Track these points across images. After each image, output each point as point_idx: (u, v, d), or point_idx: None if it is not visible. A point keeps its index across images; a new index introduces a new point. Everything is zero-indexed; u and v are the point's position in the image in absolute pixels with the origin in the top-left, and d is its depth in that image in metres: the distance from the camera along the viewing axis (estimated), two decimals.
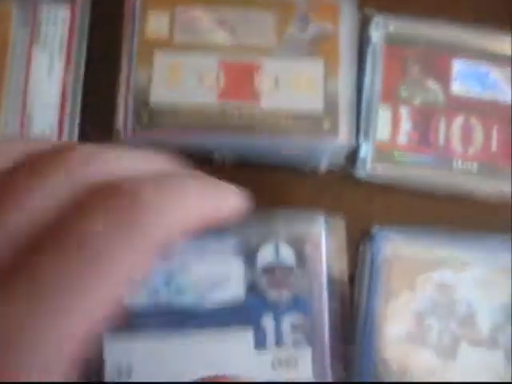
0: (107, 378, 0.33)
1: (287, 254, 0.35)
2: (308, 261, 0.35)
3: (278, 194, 0.36)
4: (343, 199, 0.36)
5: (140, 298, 0.33)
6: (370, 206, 0.37)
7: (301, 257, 0.35)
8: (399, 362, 0.35)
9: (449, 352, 0.35)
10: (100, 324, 0.16)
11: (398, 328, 0.35)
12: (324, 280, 0.35)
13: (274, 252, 0.35)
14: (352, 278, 0.36)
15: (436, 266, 0.36)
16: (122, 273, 0.16)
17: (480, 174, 0.37)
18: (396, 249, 0.36)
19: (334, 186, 0.37)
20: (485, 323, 0.36)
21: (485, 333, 0.36)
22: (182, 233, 0.17)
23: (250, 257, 0.34)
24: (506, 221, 0.37)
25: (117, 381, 0.33)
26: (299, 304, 0.34)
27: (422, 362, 0.35)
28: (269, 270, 0.35)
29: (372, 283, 0.35)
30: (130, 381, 0.33)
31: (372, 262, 0.36)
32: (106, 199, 0.16)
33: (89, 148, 0.18)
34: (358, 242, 0.36)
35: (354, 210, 0.35)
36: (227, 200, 0.19)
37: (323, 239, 0.35)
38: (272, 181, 0.37)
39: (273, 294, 0.34)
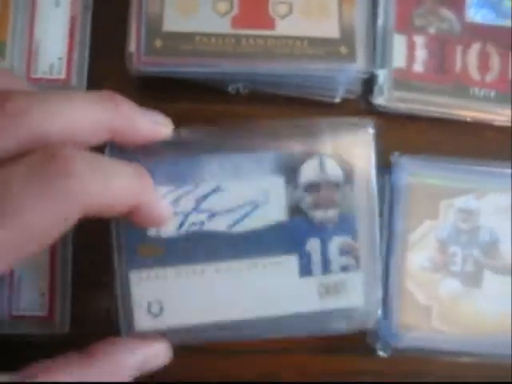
0: (137, 319, 0.29)
1: (333, 169, 0.31)
2: (356, 175, 0.31)
3: None
4: None
5: (168, 229, 0.29)
6: (389, 135, 0.36)
7: (348, 171, 0.31)
8: (424, 292, 0.34)
9: (473, 280, 0.35)
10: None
11: (422, 257, 0.34)
12: (374, 196, 0.31)
13: (319, 167, 0.31)
14: None
15: (458, 192, 0.35)
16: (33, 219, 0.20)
17: (498, 101, 0.36)
18: (416, 176, 0.35)
19: (350, 116, 0.36)
20: (508, 250, 0.35)
21: (508, 260, 0.35)
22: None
23: (291, 174, 0.31)
24: None
25: (148, 321, 0.29)
26: (347, 224, 0.31)
27: (447, 290, 0.34)
28: (313, 188, 0.31)
29: (393, 212, 0.35)
30: (162, 319, 0.30)
31: (392, 191, 0.35)
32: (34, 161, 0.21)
33: (25, 97, 0.22)
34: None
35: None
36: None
37: (373, 149, 0.31)
38: (288, 112, 0.36)
39: (318, 215, 0.31)
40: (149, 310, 0.29)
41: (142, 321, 0.29)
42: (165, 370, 0.28)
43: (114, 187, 0.23)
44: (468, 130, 0.37)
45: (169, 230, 0.29)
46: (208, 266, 0.30)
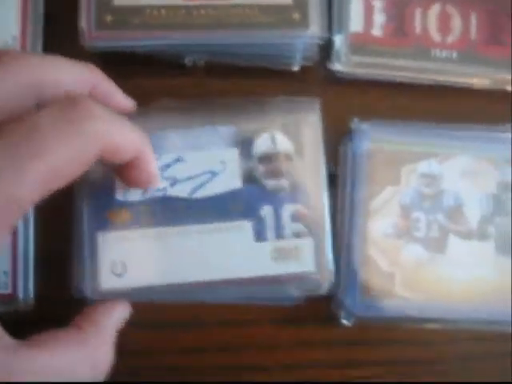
0: (102, 279, 0.31)
1: (284, 142, 0.33)
2: (306, 148, 0.33)
3: (253, 94, 0.35)
4: (320, 96, 0.34)
5: (132, 194, 0.31)
6: (349, 102, 0.35)
7: (298, 145, 0.33)
8: (387, 259, 0.34)
9: (438, 245, 0.34)
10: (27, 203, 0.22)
11: (384, 223, 0.34)
12: (323, 168, 0.33)
13: (271, 141, 0.33)
14: (332, 178, 0.34)
15: (420, 156, 0.34)
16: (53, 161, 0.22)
17: (460, 62, 0.35)
18: (377, 142, 0.34)
19: (309, 84, 0.35)
20: (473, 215, 0.34)
21: (473, 224, 0.34)
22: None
23: (245, 146, 0.33)
24: (490, 110, 0.36)
25: (112, 281, 0.31)
26: (298, 193, 0.33)
27: (411, 256, 0.34)
28: (266, 159, 0.33)
29: (354, 179, 0.34)
30: (126, 279, 0.31)
31: (353, 158, 0.34)
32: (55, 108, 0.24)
33: (20, 52, 0.25)
34: (337, 140, 0.35)
35: (332, 107, 0.34)
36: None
37: (320, 125, 0.33)
38: (247, 82, 0.36)
39: (271, 184, 0.33)
40: (113, 271, 0.31)
41: (107, 281, 0.31)
42: (127, 341, 0.29)
43: (127, 131, 0.26)
44: (430, 94, 0.36)
45: (135, 195, 0.31)
46: (170, 229, 0.32)
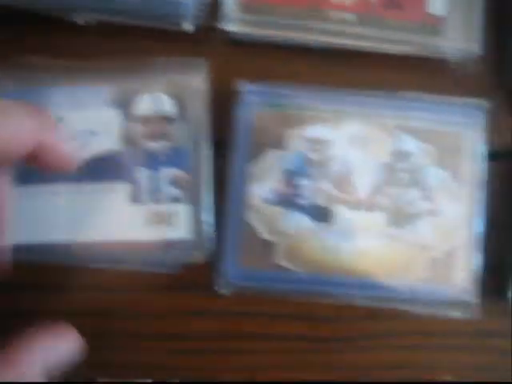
0: None
1: (167, 104, 0.32)
2: (189, 111, 0.32)
3: (143, 55, 0.34)
4: (210, 58, 0.33)
5: None
6: (240, 64, 0.34)
7: (182, 107, 0.32)
8: (267, 227, 0.32)
9: (323, 214, 0.32)
10: None
11: (266, 189, 0.32)
12: (206, 133, 0.32)
13: (153, 101, 0.32)
14: (220, 142, 0.33)
15: (309, 120, 0.33)
16: None
17: (359, 25, 0.33)
18: (264, 105, 0.33)
19: (201, 45, 0.34)
20: (363, 184, 0.32)
21: (363, 194, 0.32)
22: None
23: (126, 107, 0.32)
24: (388, 75, 0.34)
25: None
26: (179, 158, 0.32)
27: (293, 225, 0.32)
28: (146, 120, 0.32)
29: (239, 142, 0.33)
30: None
31: (238, 121, 0.33)
32: None
33: None
34: (225, 104, 0.33)
35: (222, 70, 0.32)
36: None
37: (206, 88, 0.32)
38: (137, 43, 0.34)
39: (151, 146, 0.32)
40: None
41: None
42: None
43: (7, 127, 0.22)
44: (327, 58, 0.34)
45: None
46: (46, 187, 0.32)
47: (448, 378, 0.34)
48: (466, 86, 0.34)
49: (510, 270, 0.33)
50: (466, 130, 0.33)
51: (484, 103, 0.33)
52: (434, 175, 0.33)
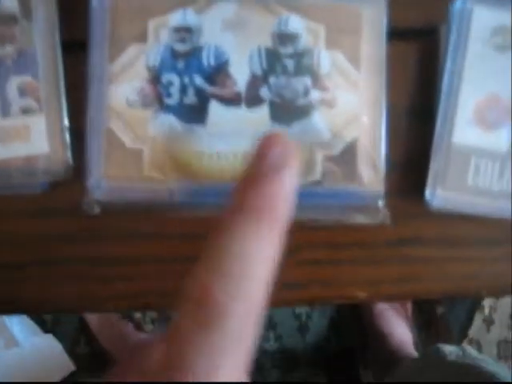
0: None
1: (9, 1, 0.28)
2: (34, 8, 0.28)
3: None
4: None
5: None
6: None
7: (25, 4, 0.28)
8: (132, 133, 0.28)
9: (195, 114, 0.28)
10: None
11: (128, 89, 0.28)
12: (57, 31, 0.28)
13: None
14: (74, 41, 0.28)
15: (172, 6, 0.28)
16: None
17: None
18: None
19: None
20: (241, 75, 0.28)
21: (241, 87, 0.28)
22: None
23: None
24: None
25: None
26: (27, 62, 0.28)
27: (161, 129, 0.28)
28: None
29: (94, 38, 0.28)
30: None
31: (91, 12, 0.28)
32: None
33: None
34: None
35: None
36: None
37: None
38: None
39: None
40: None
41: None
42: None
43: None
44: None
45: None
46: None
47: (362, 295, 0.29)
48: None
49: (427, 164, 0.28)
50: (364, 4, 0.27)
51: None
52: (327, 59, 0.27)
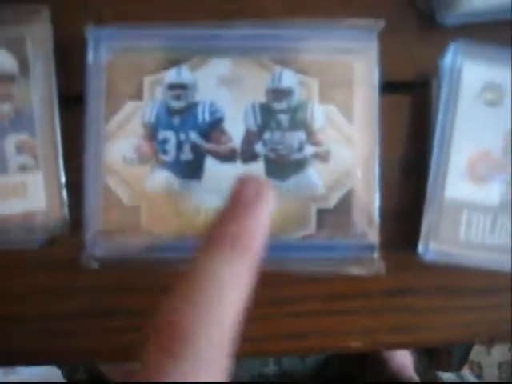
0: None
1: (6, 60, 0.28)
2: (32, 66, 0.28)
3: None
4: (50, 2, 0.29)
5: None
6: (86, 5, 0.30)
7: (23, 62, 0.28)
8: (129, 189, 0.28)
9: (191, 170, 0.28)
10: None
11: (124, 146, 0.28)
12: (54, 89, 0.28)
13: None
14: (70, 98, 0.29)
15: (167, 63, 0.28)
16: None
17: None
18: (115, 50, 0.28)
19: None
20: (236, 130, 0.28)
21: (236, 143, 0.28)
22: None
23: None
24: (258, 2, 0.29)
25: None
26: (24, 120, 0.28)
27: (158, 185, 0.28)
28: None
29: (91, 95, 0.28)
30: None
31: (88, 70, 0.28)
32: None
33: None
34: (73, 52, 0.29)
35: (66, 13, 0.28)
36: None
37: (50, 36, 0.28)
38: None
39: None
40: None
41: None
42: None
43: None
44: None
45: None
46: None
47: (358, 344, 0.29)
48: (356, 3, 0.29)
49: (420, 217, 0.28)
50: (356, 58, 0.28)
51: (379, 24, 0.28)
52: (320, 113, 0.28)
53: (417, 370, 0.78)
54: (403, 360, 0.79)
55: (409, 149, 0.29)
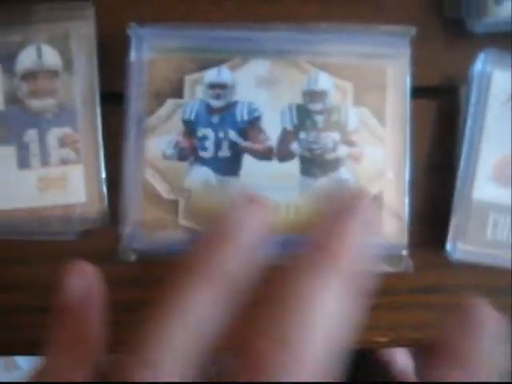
0: None
1: (51, 56, 0.29)
2: (76, 62, 0.29)
3: (24, 2, 0.30)
4: (93, 0, 0.29)
5: None
6: (128, 5, 0.30)
7: (67, 58, 0.29)
8: (168, 184, 0.29)
9: (229, 167, 0.29)
10: None
11: (164, 142, 0.29)
12: (96, 85, 0.29)
13: (36, 55, 0.29)
14: (112, 94, 0.30)
15: (207, 63, 0.29)
16: None
17: None
18: (157, 50, 0.29)
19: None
20: (272, 130, 0.29)
21: (273, 142, 0.29)
22: None
23: (7, 62, 0.29)
24: (295, 7, 0.30)
25: None
26: (67, 115, 0.29)
27: (197, 181, 0.29)
28: (30, 76, 0.29)
29: (132, 92, 0.29)
30: None
31: (131, 68, 0.29)
32: None
33: None
34: (115, 50, 0.30)
35: (108, 13, 0.29)
36: None
37: (94, 35, 0.29)
38: None
39: (36, 104, 0.29)
40: None
41: None
42: None
43: None
44: None
45: None
46: None
47: (384, 340, 0.30)
48: (389, 11, 0.30)
49: (447, 218, 0.29)
50: (389, 63, 0.29)
51: (410, 30, 0.29)
52: (354, 116, 0.29)
53: (417, 373, 0.79)
54: (404, 363, 0.80)
55: (437, 151, 0.30)
